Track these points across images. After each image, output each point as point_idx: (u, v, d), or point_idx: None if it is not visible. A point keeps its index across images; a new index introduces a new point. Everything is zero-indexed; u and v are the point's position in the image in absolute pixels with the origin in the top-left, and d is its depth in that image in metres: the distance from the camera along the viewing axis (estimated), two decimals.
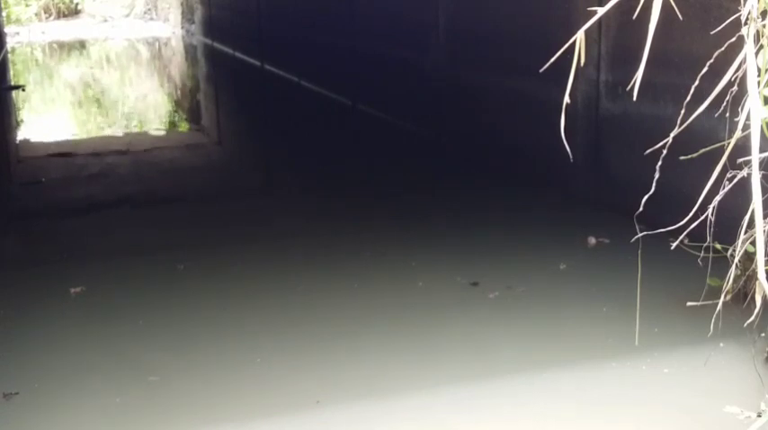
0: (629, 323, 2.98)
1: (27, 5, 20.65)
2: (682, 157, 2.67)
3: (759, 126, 1.95)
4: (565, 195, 5.07)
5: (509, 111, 5.82)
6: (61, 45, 17.98)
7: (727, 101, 2.42)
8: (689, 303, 3.03)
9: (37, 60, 16.01)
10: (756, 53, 2.07)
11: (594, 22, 2.02)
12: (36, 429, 2.61)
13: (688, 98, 2.42)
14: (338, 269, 4.00)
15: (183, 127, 9.68)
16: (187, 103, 11.41)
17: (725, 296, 2.59)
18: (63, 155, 7.07)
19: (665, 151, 2.42)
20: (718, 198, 2.42)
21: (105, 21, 21.15)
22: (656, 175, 2.49)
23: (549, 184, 5.21)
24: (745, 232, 2.47)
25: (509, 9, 5.71)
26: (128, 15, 21.67)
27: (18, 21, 19.65)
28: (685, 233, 2.62)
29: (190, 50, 16.94)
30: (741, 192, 2.44)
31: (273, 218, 5.09)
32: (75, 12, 22.00)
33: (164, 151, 7.44)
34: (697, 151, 2.69)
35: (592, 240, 4.19)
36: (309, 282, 3.82)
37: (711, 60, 2.43)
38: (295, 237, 4.60)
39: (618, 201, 4.43)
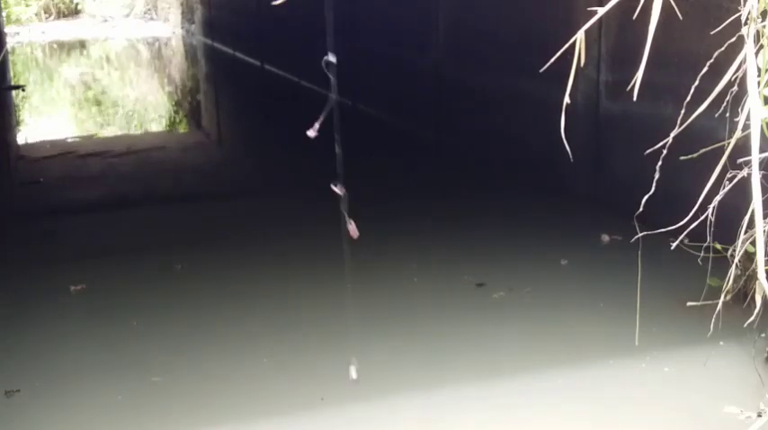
0: (629, 322, 2.98)
1: (27, 5, 20.65)
2: (682, 157, 2.68)
3: (759, 126, 1.96)
4: (565, 195, 5.07)
5: (509, 111, 5.82)
6: (61, 45, 17.97)
7: (728, 101, 2.42)
8: (689, 303, 3.04)
9: (37, 60, 16.01)
10: (756, 53, 2.07)
11: (595, 22, 2.03)
12: (37, 426, 2.62)
13: (688, 98, 2.42)
14: (339, 269, 3.99)
15: (183, 127, 9.69)
16: (187, 103, 11.41)
17: (725, 296, 2.59)
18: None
19: (665, 151, 2.43)
20: (718, 198, 2.42)
21: (105, 21, 21.15)
22: (657, 175, 2.49)
23: (549, 184, 5.21)
24: (745, 232, 2.47)
25: (509, 9, 5.71)
26: (128, 15, 21.66)
27: (18, 21, 19.64)
28: (685, 233, 2.63)
29: (190, 50, 16.94)
30: (741, 192, 2.45)
31: (273, 217, 5.09)
32: (75, 12, 22.00)
33: (163, 151, 7.44)
34: (697, 151, 2.69)
35: (605, 238, 4.20)
36: (310, 283, 3.82)
37: (711, 60, 2.43)
38: (295, 236, 4.60)
39: (618, 200, 4.43)
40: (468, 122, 6.49)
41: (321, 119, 1.81)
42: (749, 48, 2.00)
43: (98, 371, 2.97)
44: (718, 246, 2.86)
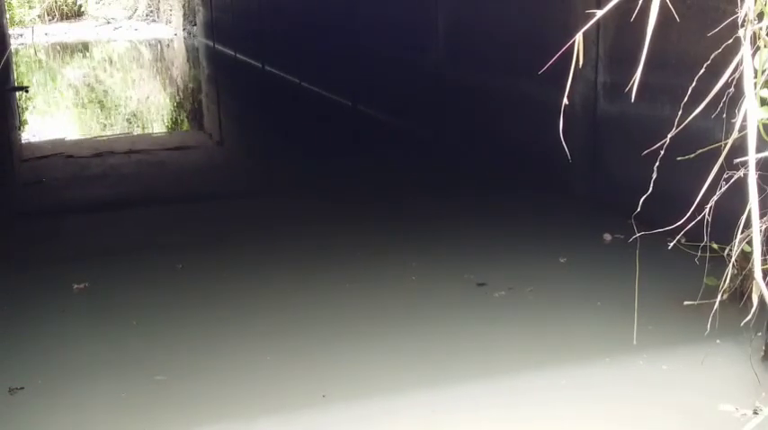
0: (627, 321, 3.01)
1: (30, 7, 20.70)
2: (679, 158, 2.70)
3: (756, 127, 1.98)
4: (565, 195, 5.09)
5: (508, 111, 5.85)
6: (64, 47, 18.02)
7: (724, 102, 2.44)
8: (686, 302, 3.06)
9: (40, 62, 16.06)
10: (753, 55, 2.09)
11: (593, 24, 2.05)
12: (41, 424, 2.64)
13: (685, 99, 2.45)
14: (338, 269, 4.02)
15: (185, 128, 9.72)
16: (189, 104, 11.44)
17: (722, 295, 2.61)
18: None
19: (662, 152, 2.45)
20: (714, 198, 2.44)
21: (108, 23, 21.20)
22: (654, 176, 2.51)
23: (548, 185, 5.24)
24: (742, 232, 2.49)
25: (509, 11, 5.74)
26: (130, 17, 21.71)
27: (21, 23, 19.70)
28: (682, 233, 2.65)
29: (192, 52, 16.98)
30: (738, 192, 2.47)
31: (274, 218, 5.12)
32: (78, 14, 22.05)
33: (165, 152, 7.46)
34: (694, 152, 2.71)
35: (608, 237, 4.23)
36: (310, 282, 3.84)
37: (708, 62, 2.46)
38: (296, 237, 4.63)
39: (617, 200, 4.46)
40: (468, 123, 6.51)
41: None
42: (746, 49, 2.02)
43: (101, 370, 3.00)
44: (715, 246, 2.88)
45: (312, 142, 7.78)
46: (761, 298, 2.19)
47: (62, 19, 21.59)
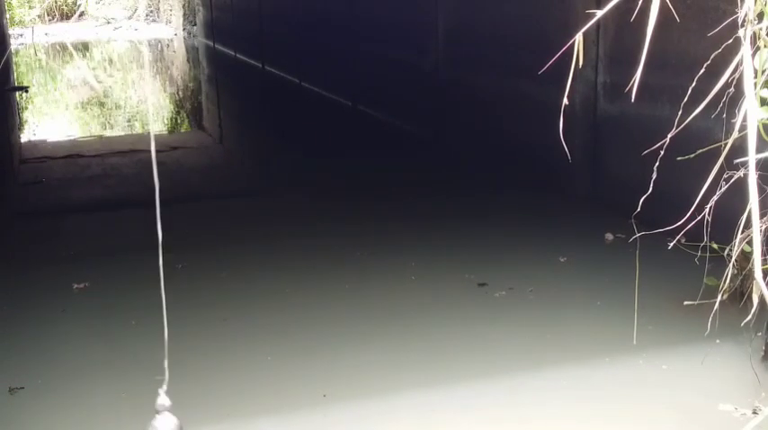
0: (627, 322, 3.01)
1: (30, 8, 20.71)
2: (679, 158, 2.70)
3: (756, 127, 1.98)
4: (565, 195, 5.09)
5: (509, 111, 5.85)
6: (64, 47, 18.02)
7: (724, 102, 2.44)
8: (686, 302, 3.06)
9: (40, 62, 16.06)
10: (753, 55, 2.09)
11: (593, 24, 2.05)
12: (41, 423, 2.64)
13: (685, 99, 2.45)
14: (337, 269, 4.03)
15: (185, 128, 9.72)
16: (189, 104, 11.44)
17: (722, 295, 2.61)
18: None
19: (662, 152, 2.46)
20: (714, 198, 2.45)
21: (108, 23, 21.21)
22: (654, 176, 2.51)
23: (548, 185, 5.24)
24: (742, 232, 2.49)
25: (508, 11, 5.74)
26: (130, 18, 21.72)
27: (21, 23, 19.70)
28: (682, 233, 2.65)
29: (191, 52, 16.98)
30: (738, 192, 2.47)
31: (274, 218, 5.12)
32: (78, 14, 22.05)
33: (165, 152, 7.46)
34: (694, 152, 2.72)
35: (609, 237, 4.23)
36: (310, 281, 3.84)
37: (708, 62, 2.46)
38: (296, 237, 4.63)
39: (616, 201, 4.46)
40: (468, 123, 6.51)
41: None
42: (746, 49, 2.02)
43: (101, 370, 3.00)
44: (715, 246, 2.88)
45: (312, 142, 7.78)
46: (761, 298, 2.19)
47: (62, 19, 21.59)
